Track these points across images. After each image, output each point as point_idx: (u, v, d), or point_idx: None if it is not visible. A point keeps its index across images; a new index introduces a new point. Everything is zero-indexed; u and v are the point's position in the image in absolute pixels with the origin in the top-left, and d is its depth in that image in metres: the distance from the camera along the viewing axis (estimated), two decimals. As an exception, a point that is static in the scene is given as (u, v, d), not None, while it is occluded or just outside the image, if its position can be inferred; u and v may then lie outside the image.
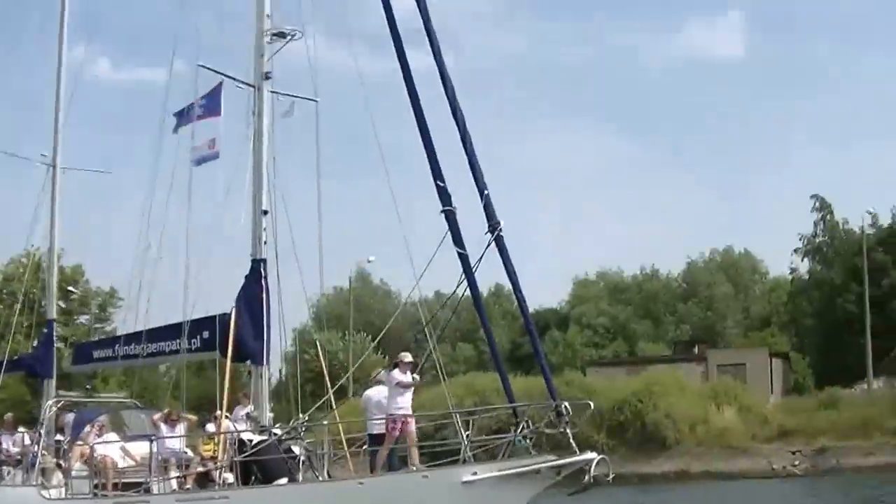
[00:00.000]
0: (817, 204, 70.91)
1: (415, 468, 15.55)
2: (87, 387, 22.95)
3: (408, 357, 16.50)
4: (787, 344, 72.24)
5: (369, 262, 71.85)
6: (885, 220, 68.00)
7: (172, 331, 19.46)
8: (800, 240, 71.45)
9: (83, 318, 57.64)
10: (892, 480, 36.57)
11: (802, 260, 72.60)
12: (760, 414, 48.69)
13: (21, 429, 21.41)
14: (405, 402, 16.13)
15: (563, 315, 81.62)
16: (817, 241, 70.99)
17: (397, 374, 16.13)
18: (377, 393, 16.62)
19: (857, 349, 57.31)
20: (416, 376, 16.69)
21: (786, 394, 59.81)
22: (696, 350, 65.86)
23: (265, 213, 18.46)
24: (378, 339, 18.92)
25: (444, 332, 16.37)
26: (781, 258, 78.31)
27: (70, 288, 36.37)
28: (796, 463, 44.61)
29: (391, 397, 16.11)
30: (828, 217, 70.83)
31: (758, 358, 61.60)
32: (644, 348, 74.87)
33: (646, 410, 46.85)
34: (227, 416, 18.15)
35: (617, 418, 45.20)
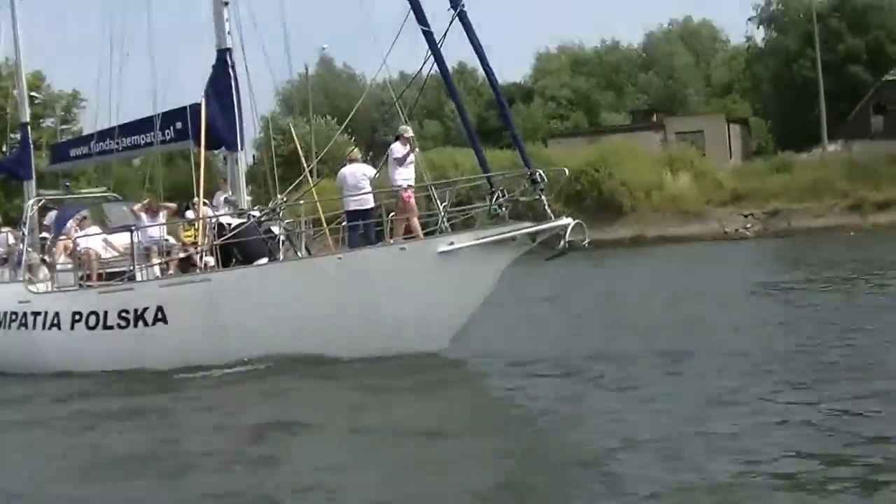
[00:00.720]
0: None
1: (392, 241, 15.68)
2: (66, 185, 22.86)
3: (409, 131, 16.45)
4: (749, 110, 72.95)
5: (323, 49, 72.52)
6: None
7: (145, 124, 19.41)
8: (754, 8, 71.05)
9: (49, 122, 58.60)
10: (838, 240, 37.28)
11: (758, 28, 72.49)
12: (715, 179, 49.33)
13: (5, 229, 21.43)
14: (409, 174, 16.09)
15: (526, 89, 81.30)
16: (771, 8, 70.15)
17: (397, 148, 16.08)
18: (353, 171, 16.59)
19: (814, 114, 57.61)
20: (417, 149, 16.79)
21: (745, 159, 60.72)
22: (654, 118, 66.00)
23: (225, 3, 18.42)
24: (346, 121, 18.64)
25: (412, 110, 16.17)
26: (741, 27, 78.88)
27: (33, 93, 35.98)
28: (748, 226, 45.49)
29: (392, 171, 16.06)
30: None
31: (715, 124, 62.34)
32: (606, 119, 75.05)
33: (602, 179, 47.44)
34: (205, 203, 18.20)
35: (574, 188, 45.16)
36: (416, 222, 15.94)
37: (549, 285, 24.04)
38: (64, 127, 54.11)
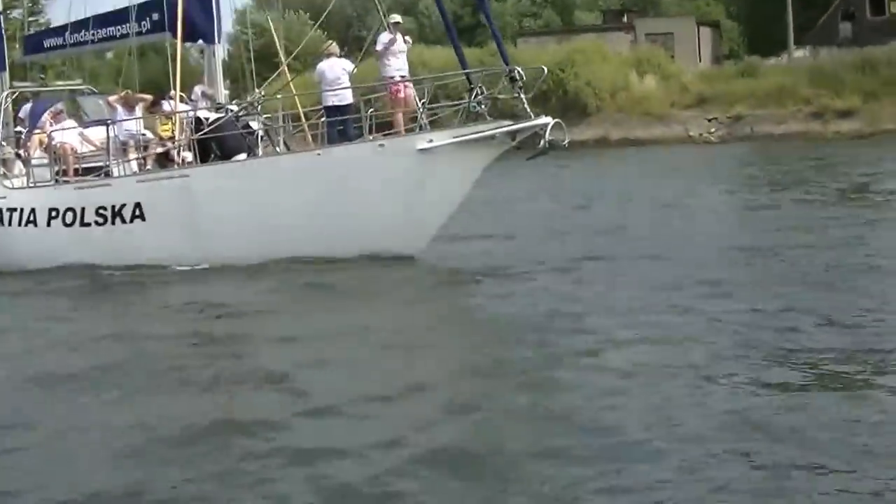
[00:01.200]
0: None
1: (371, 137, 15.50)
2: (41, 76, 22.40)
3: (395, 17, 16.14)
4: (723, 13, 71.50)
5: None
6: None
7: (120, 15, 19.06)
8: None
9: (17, 14, 57.97)
10: (799, 147, 37.24)
11: None
12: (681, 82, 48.66)
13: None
14: (400, 64, 15.82)
15: None
16: None
17: (385, 38, 15.80)
18: (331, 65, 16.32)
19: (784, 19, 56.21)
20: (408, 38, 16.46)
21: (715, 62, 59.88)
22: (625, 19, 64.91)
23: None
24: (323, 16, 18.15)
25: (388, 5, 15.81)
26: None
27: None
28: (712, 130, 44.96)
29: (383, 62, 15.84)
30: None
31: (685, 26, 61.22)
32: (579, 18, 73.67)
33: (568, 79, 46.66)
34: (182, 96, 17.91)
35: (540, 87, 44.21)
36: (399, 118, 15.69)
37: (514, 186, 23.84)
38: (31, 19, 53.54)
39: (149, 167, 17.22)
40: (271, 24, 19.73)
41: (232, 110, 16.99)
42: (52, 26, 21.01)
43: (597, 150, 41.82)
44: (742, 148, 39.71)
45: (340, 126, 16.08)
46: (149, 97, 18.13)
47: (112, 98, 18.07)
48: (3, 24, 22.77)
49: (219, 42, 17.99)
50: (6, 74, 21.74)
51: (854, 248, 14.46)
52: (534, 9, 75.47)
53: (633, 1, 75.04)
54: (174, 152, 17.07)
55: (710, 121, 45.33)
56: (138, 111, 17.67)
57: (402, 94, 15.76)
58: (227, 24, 19.11)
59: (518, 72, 14.79)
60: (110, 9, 19.57)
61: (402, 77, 15.79)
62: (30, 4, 55.03)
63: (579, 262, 14.13)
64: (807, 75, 45.94)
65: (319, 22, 19.77)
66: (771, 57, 54.98)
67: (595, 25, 65.75)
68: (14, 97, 20.71)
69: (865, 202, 20.44)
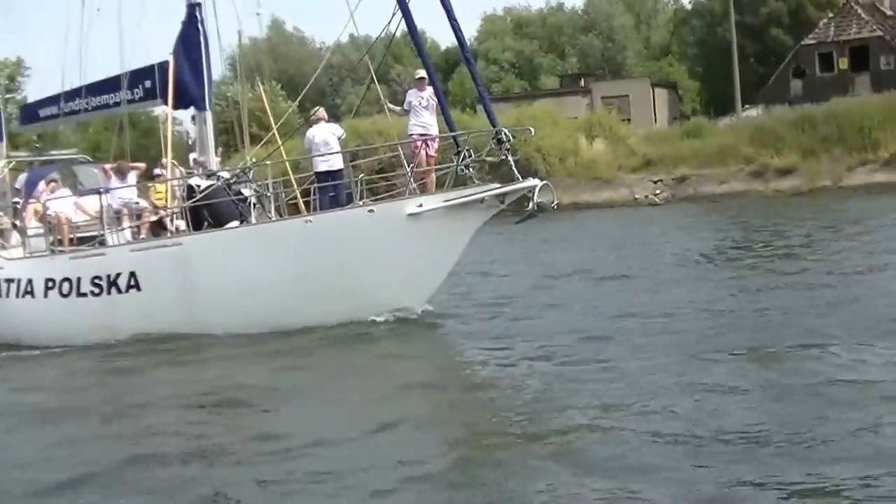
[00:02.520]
0: None
1: (361, 202, 15.49)
2: (37, 146, 22.45)
3: (420, 73, 16.10)
4: (686, 73, 72.67)
5: (258, 14, 70.23)
6: None
7: (112, 84, 19.05)
8: None
9: None
10: (735, 206, 37.55)
11: None
12: (627, 145, 48.78)
13: (-25, 193, 21.06)
14: (422, 121, 15.75)
15: (474, 53, 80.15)
16: None
17: (410, 95, 15.79)
18: (319, 131, 16.34)
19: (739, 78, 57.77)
20: (432, 99, 16.01)
21: (672, 123, 60.17)
22: (582, 83, 65.62)
23: None
24: (308, 85, 18.21)
25: (378, 69, 15.76)
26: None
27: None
28: (657, 192, 44.98)
29: (409, 118, 15.82)
30: None
31: (640, 89, 62.32)
32: (545, 82, 74.27)
33: (518, 145, 46.51)
34: (174, 163, 17.96)
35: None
36: (431, 177, 15.54)
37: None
38: (9, 96, 54.24)
39: (142, 236, 17.20)
40: (262, 89, 19.67)
41: (223, 177, 16.99)
42: (46, 96, 20.84)
43: (545, 216, 41.58)
44: (682, 209, 39.60)
45: (332, 192, 16.11)
46: (141, 165, 18.16)
47: (106, 166, 18.09)
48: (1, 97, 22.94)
49: (210, 108, 17.98)
50: (3, 145, 21.83)
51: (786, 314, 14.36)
52: (501, 74, 76.03)
53: (597, 63, 76.41)
54: (168, 220, 17.06)
55: (655, 182, 45.39)
56: (131, 179, 17.70)
57: (431, 151, 15.71)
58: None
59: (505, 133, 14.81)
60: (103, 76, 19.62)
61: (423, 135, 15.67)
62: (7, 82, 55.68)
63: (551, 337, 13.65)
64: (749, 134, 46.07)
65: (300, 97, 19.93)
66: (725, 116, 55.61)
67: (553, 90, 66.39)
68: (10, 167, 20.79)
69: (777, 261, 20.29)
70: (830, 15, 58.98)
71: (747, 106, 57.04)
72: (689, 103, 69.62)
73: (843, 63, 56.73)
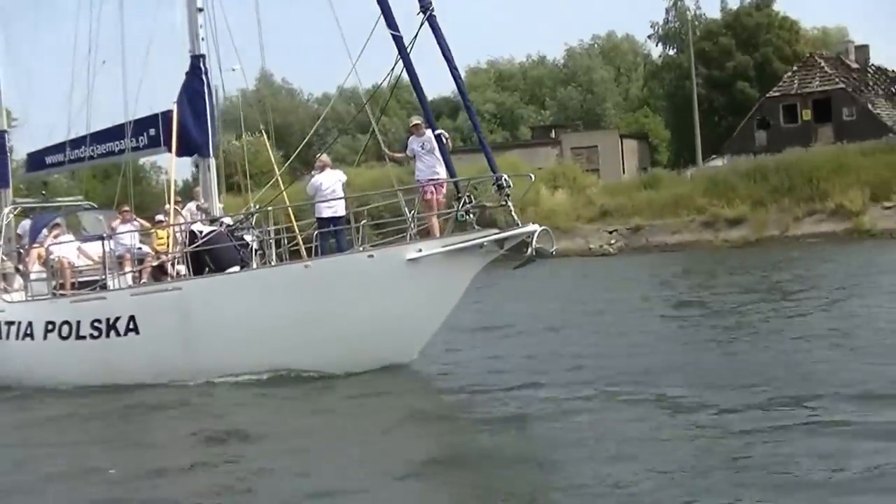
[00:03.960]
0: None
1: (361, 248, 15.36)
2: (42, 192, 22.46)
3: (413, 119, 16.04)
4: (662, 124, 74.22)
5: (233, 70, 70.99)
6: (734, 4, 68.98)
7: (116, 132, 19.07)
8: (651, 27, 73.27)
9: None
10: (684, 256, 38.19)
11: (657, 45, 74.95)
12: (586, 195, 49.05)
13: (-16, 238, 20.97)
14: (429, 165, 15.50)
15: (454, 103, 79.32)
16: (668, 26, 71.96)
17: (412, 142, 15.69)
18: (325, 178, 16.27)
19: (705, 129, 59.71)
20: (434, 137, 15.66)
21: (642, 173, 60.83)
22: (553, 134, 66.63)
23: (200, 10, 18.08)
24: (307, 139, 18.33)
25: (381, 115, 15.73)
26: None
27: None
28: (612, 242, 45.27)
29: (416, 164, 15.66)
30: (679, 4, 71.69)
31: (609, 140, 63.99)
32: (524, 133, 75.46)
33: (477, 196, 46.40)
34: (176, 210, 17.90)
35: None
36: (436, 223, 15.33)
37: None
38: None
39: (143, 280, 17.07)
40: (265, 134, 19.74)
41: (226, 223, 16.91)
42: (52, 144, 20.85)
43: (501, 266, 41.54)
44: (633, 259, 39.64)
45: (333, 238, 16.00)
46: (146, 224, 18.16)
47: (115, 223, 17.96)
48: (7, 144, 22.92)
49: (213, 156, 17.97)
50: (9, 191, 21.80)
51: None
52: (483, 125, 76.66)
53: (576, 115, 78.04)
54: (169, 265, 16.96)
55: (610, 232, 45.69)
56: (133, 225, 17.64)
57: (439, 196, 15.53)
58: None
59: (505, 179, 14.74)
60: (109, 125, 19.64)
61: (431, 179, 15.44)
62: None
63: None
64: (704, 185, 46.53)
65: (295, 154, 20.01)
66: (694, 166, 56.46)
67: (525, 141, 67.98)
68: (16, 212, 20.74)
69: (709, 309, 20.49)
70: (794, 68, 60.42)
71: (714, 156, 58.15)
72: (665, 153, 70.89)
73: (807, 114, 57.95)
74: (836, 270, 27.25)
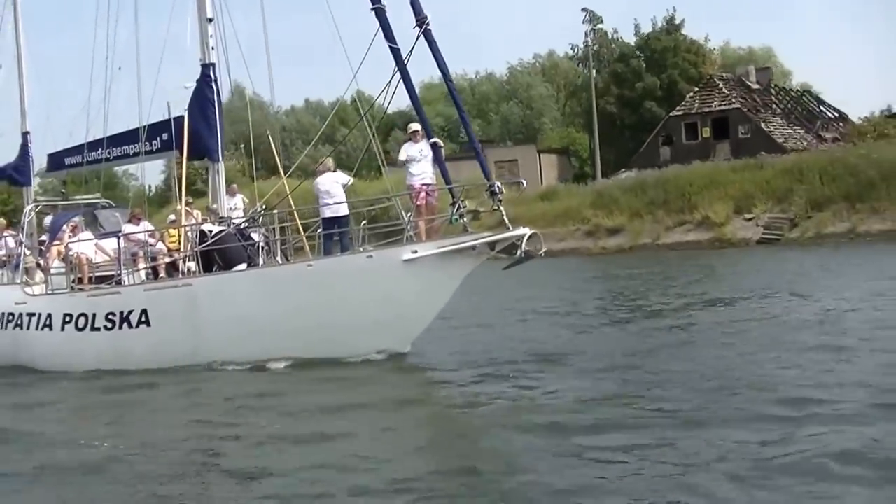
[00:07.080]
0: (587, 16, 76.01)
1: (361, 249, 15.83)
2: (63, 191, 22.96)
3: (413, 126, 16.40)
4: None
5: (186, 88, 71.46)
6: (647, 29, 73.23)
7: (132, 135, 19.58)
8: (571, 48, 79.20)
9: None
10: (569, 262, 40.01)
11: (578, 66, 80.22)
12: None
13: (6, 233, 21.51)
14: (418, 170, 15.88)
15: (407, 117, 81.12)
16: (586, 49, 75.43)
17: (407, 147, 16.06)
18: (326, 180, 16.73)
19: (617, 145, 64.97)
20: (429, 145, 16.16)
21: (562, 183, 63.35)
22: None
23: (210, 20, 18.43)
24: (311, 145, 18.83)
25: (373, 128, 16.02)
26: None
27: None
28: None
29: (407, 171, 16.06)
30: (597, 27, 76.53)
31: (527, 154, 67.81)
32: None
33: (391, 207, 46.29)
34: (187, 210, 18.37)
35: (371, 213, 44.04)
36: (421, 225, 15.71)
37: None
38: None
39: (162, 275, 17.58)
40: (270, 138, 20.23)
41: (234, 223, 17.38)
42: (72, 146, 21.36)
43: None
44: (522, 266, 40.13)
45: (336, 237, 16.47)
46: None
47: (126, 226, 18.48)
48: (30, 145, 23.42)
49: (221, 160, 18.43)
50: (32, 189, 22.32)
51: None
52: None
53: (518, 129, 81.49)
54: (180, 262, 17.45)
55: None
56: (146, 226, 18.14)
57: (430, 200, 15.99)
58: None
59: (498, 186, 15.20)
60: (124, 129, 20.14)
61: (424, 184, 15.92)
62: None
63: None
64: (591, 198, 50.06)
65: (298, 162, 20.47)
66: (604, 178, 59.40)
67: (453, 155, 67.81)
68: (38, 210, 21.25)
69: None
70: (696, 89, 63.91)
71: (623, 170, 60.66)
72: (581, 167, 73.40)
73: (706, 132, 61.31)
74: (687, 273, 30.33)
